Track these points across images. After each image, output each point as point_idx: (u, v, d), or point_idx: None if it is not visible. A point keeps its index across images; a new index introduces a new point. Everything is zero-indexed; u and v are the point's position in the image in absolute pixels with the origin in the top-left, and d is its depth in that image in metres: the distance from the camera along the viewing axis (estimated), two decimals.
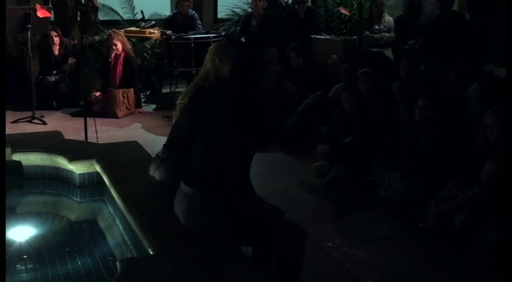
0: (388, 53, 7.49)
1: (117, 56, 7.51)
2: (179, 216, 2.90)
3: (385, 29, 7.54)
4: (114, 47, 7.46)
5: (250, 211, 2.82)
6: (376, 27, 7.56)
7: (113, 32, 7.64)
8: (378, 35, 7.52)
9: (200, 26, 8.37)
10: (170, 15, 8.71)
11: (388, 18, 7.61)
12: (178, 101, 3.27)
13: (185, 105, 3.20)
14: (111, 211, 3.88)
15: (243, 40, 3.05)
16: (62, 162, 4.31)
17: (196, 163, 2.85)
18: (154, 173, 3.40)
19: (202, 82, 3.13)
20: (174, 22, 8.31)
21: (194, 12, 8.48)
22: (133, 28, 8.38)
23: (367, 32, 7.53)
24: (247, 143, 2.76)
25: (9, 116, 7.01)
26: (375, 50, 7.47)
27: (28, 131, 6.41)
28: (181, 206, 2.88)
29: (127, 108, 7.52)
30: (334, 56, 7.02)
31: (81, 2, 8.37)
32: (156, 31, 8.16)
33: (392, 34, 7.50)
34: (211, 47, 3.39)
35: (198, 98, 3.00)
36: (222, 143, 2.76)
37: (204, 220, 2.80)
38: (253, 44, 2.94)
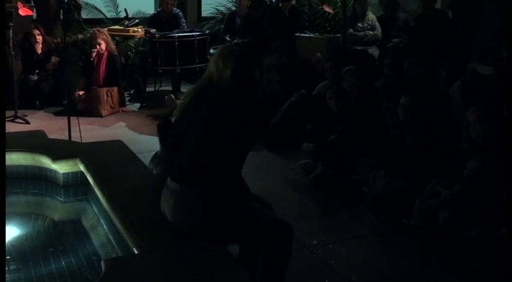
0: (372, 50, 7.54)
1: (100, 54, 7.47)
2: (166, 213, 2.90)
3: (368, 27, 7.59)
4: (97, 46, 7.42)
5: (239, 208, 2.83)
6: (360, 25, 7.60)
7: (97, 30, 7.59)
8: (362, 33, 7.57)
9: (184, 24, 8.36)
10: (154, 14, 8.69)
11: (372, 16, 7.66)
12: (180, 101, 3.27)
13: (186, 104, 3.21)
14: (96, 210, 3.86)
15: (248, 42, 3.02)
16: (46, 162, 4.28)
17: (186, 159, 2.85)
18: (152, 172, 3.39)
19: (205, 85, 3.14)
20: (158, 20, 8.29)
21: (178, 10, 8.46)
22: (117, 26, 8.34)
23: (351, 30, 7.57)
24: (243, 140, 2.77)
25: None
26: (358, 48, 7.52)
27: (11, 130, 6.34)
28: (168, 203, 2.88)
29: (111, 107, 7.49)
30: (318, 54, 7.04)
31: (63, 0, 8.34)
32: (140, 29, 8.13)
33: (376, 32, 7.54)
34: (216, 50, 3.39)
35: (199, 98, 3.01)
36: (214, 140, 2.76)
37: (193, 216, 2.81)
38: (254, 47, 2.93)
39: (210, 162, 2.78)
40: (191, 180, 2.82)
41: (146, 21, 8.53)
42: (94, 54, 7.44)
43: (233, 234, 2.89)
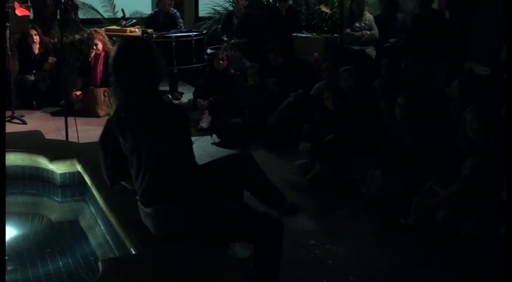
0: (369, 50, 7.54)
1: (97, 55, 7.46)
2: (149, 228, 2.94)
3: (365, 27, 7.58)
4: (94, 47, 7.41)
5: (215, 208, 2.85)
6: (357, 25, 7.60)
7: (94, 31, 7.58)
8: (359, 33, 7.57)
9: (182, 24, 8.36)
10: (151, 14, 8.68)
11: (369, 16, 7.66)
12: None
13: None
14: (93, 211, 3.86)
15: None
16: (43, 162, 4.27)
17: (145, 181, 2.85)
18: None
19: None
20: (156, 21, 8.29)
21: (176, 10, 8.45)
22: (114, 27, 8.33)
23: (348, 30, 7.57)
24: (185, 137, 2.87)
25: None
26: (356, 48, 7.51)
27: (8, 130, 6.32)
28: (147, 222, 2.94)
29: (108, 107, 7.47)
30: (315, 54, 7.05)
31: (60, 0, 8.32)
32: (137, 29, 8.11)
33: (373, 32, 7.55)
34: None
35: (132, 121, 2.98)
36: (162, 150, 2.81)
37: (174, 227, 2.85)
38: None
39: (168, 173, 2.82)
40: (160, 198, 2.85)
41: (143, 21, 8.52)
42: (92, 55, 7.43)
43: (221, 234, 2.89)
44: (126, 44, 2.98)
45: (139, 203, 2.96)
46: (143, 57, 2.84)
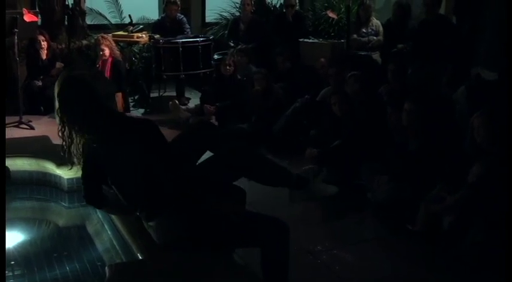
0: (376, 56, 7.53)
1: (104, 60, 7.48)
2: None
3: (372, 32, 7.58)
4: (101, 53, 7.43)
5: (218, 214, 2.84)
6: (364, 30, 7.59)
7: (101, 37, 7.61)
8: (366, 39, 7.56)
9: (188, 30, 8.38)
10: (158, 20, 8.71)
11: (376, 22, 7.66)
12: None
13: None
14: (100, 216, 3.87)
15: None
16: (50, 167, 4.30)
17: (138, 199, 2.87)
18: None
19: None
20: (162, 26, 8.31)
21: (182, 16, 8.48)
22: (121, 32, 8.35)
23: (355, 36, 7.57)
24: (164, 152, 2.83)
25: None
26: (362, 53, 7.51)
27: (15, 136, 6.35)
28: (150, 232, 2.94)
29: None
30: (322, 59, 7.04)
31: (68, 6, 8.36)
32: (144, 35, 8.14)
33: (380, 37, 7.54)
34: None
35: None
36: (141, 166, 2.80)
37: (178, 237, 2.85)
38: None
39: (156, 187, 2.80)
40: (157, 213, 2.85)
41: (150, 27, 8.54)
42: (100, 61, 7.44)
43: (226, 241, 2.89)
44: (60, 90, 2.92)
45: (141, 218, 2.97)
46: (79, 97, 2.79)
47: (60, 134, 2.85)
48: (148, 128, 2.85)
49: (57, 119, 2.86)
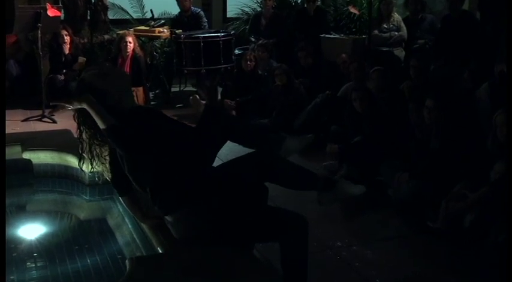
0: (398, 52, 7.48)
1: (125, 55, 7.53)
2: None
3: (394, 28, 7.53)
4: (128, 44, 7.46)
5: (236, 209, 2.83)
6: (385, 26, 7.55)
7: (127, 31, 7.70)
8: (387, 34, 7.51)
9: (206, 24, 8.37)
10: (176, 15, 8.72)
11: (397, 17, 7.61)
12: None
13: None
14: (120, 210, 3.89)
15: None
16: (72, 161, 4.33)
17: (156, 193, 2.88)
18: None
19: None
20: (180, 21, 8.34)
21: (199, 10, 8.49)
22: (142, 27, 8.40)
23: (376, 31, 7.52)
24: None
25: (20, 114, 7.05)
26: (384, 49, 7.46)
27: (38, 129, 6.43)
28: (169, 227, 2.94)
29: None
30: (343, 55, 7.00)
31: (91, 1, 8.43)
32: (165, 30, 8.17)
33: (401, 33, 7.49)
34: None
35: None
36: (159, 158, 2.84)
37: (196, 233, 2.84)
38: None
39: (174, 179, 2.83)
40: (175, 207, 2.85)
41: (171, 22, 8.58)
42: (129, 51, 7.46)
43: (245, 236, 2.87)
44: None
45: (161, 213, 2.98)
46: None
47: (77, 135, 3.10)
48: (153, 114, 2.97)
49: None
